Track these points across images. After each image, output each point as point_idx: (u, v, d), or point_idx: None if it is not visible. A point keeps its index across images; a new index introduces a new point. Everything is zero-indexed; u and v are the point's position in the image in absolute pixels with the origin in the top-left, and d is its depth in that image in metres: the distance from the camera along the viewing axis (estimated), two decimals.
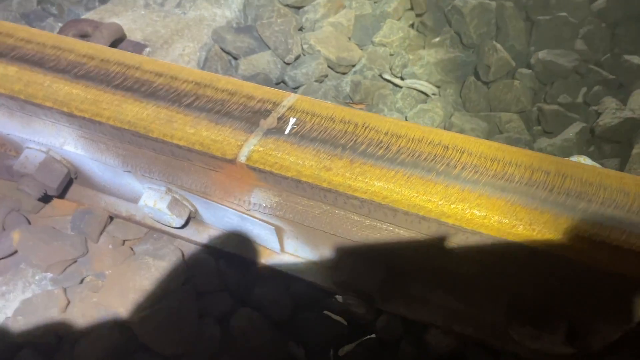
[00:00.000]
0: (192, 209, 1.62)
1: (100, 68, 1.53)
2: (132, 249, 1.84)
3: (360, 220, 1.35)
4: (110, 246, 1.86)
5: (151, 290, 1.64)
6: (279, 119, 1.38)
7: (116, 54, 1.57)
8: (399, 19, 2.54)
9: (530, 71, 2.26)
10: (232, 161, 1.34)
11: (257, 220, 1.50)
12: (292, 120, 1.37)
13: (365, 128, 1.33)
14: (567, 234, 1.11)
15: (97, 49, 1.59)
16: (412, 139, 1.30)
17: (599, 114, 2.06)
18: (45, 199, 1.81)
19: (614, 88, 2.15)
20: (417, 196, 1.21)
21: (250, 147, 1.33)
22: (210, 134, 1.37)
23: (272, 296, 1.73)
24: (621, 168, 1.89)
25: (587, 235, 1.09)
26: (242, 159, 1.33)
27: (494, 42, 2.26)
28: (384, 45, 2.43)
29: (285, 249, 1.64)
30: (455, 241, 1.24)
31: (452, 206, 1.18)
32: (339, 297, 1.77)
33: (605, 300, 1.21)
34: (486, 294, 1.41)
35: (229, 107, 1.42)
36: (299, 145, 1.32)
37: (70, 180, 1.80)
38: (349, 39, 2.51)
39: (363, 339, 1.68)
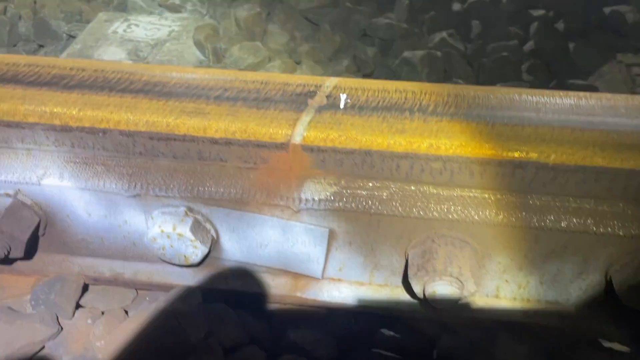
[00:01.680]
0: (214, 236, 1.34)
1: (96, 77, 1.31)
2: (126, 312, 1.46)
3: (437, 193, 1.20)
4: (89, 321, 1.46)
5: (170, 346, 1.27)
6: (328, 96, 1.25)
7: (111, 64, 1.36)
8: (353, 75, 2.60)
9: None
10: (284, 145, 1.16)
11: (305, 226, 1.27)
12: (344, 96, 1.24)
13: (425, 93, 1.24)
14: None
15: (86, 62, 1.37)
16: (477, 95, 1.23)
17: None
18: (6, 261, 1.40)
19: None
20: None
21: (304, 124, 1.17)
22: (253, 119, 1.18)
23: (312, 337, 1.44)
24: None
25: None
26: (297, 139, 1.15)
27: (457, 80, 2.37)
28: None
29: (327, 271, 1.40)
30: None
31: None
32: (385, 331, 1.52)
33: None
34: None
35: (266, 93, 1.26)
36: (361, 115, 1.19)
37: (35, 238, 1.44)
38: None
39: None
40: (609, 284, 1.23)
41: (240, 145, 1.18)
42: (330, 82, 1.30)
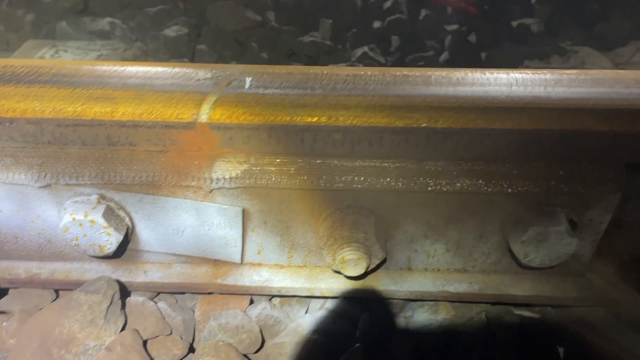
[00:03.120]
0: (129, 224, 1.35)
1: (4, 72, 1.33)
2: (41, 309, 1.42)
3: (341, 164, 1.26)
4: (4, 324, 1.42)
5: (83, 338, 1.25)
6: (234, 80, 1.31)
7: (20, 60, 1.38)
8: None
9: None
10: (191, 125, 1.20)
11: (219, 206, 1.30)
12: (249, 78, 1.31)
13: (326, 74, 1.32)
14: None
15: None
16: (373, 74, 1.32)
17: None
18: None
19: None
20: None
21: (210, 103, 1.22)
22: (160, 101, 1.22)
23: (234, 324, 1.44)
24: None
25: None
26: (203, 117, 1.20)
27: None
28: None
29: (246, 256, 1.42)
30: None
31: None
32: (309, 316, 1.54)
33: None
34: None
35: (174, 79, 1.31)
36: (265, 93, 1.25)
37: None
38: None
39: (349, 352, 1.45)
40: (508, 244, 1.31)
41: (148, 127, 1.21)
42: (238, 68, 1.36)
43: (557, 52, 2.85)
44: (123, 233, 1.32)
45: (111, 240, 1.30)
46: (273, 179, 1.27)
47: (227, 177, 1.27)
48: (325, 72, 1.33)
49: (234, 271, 1.45)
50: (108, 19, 3.17)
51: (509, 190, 1.23)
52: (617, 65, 2.72)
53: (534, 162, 1.23)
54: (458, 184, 1.24)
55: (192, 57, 2.81)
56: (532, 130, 1.17)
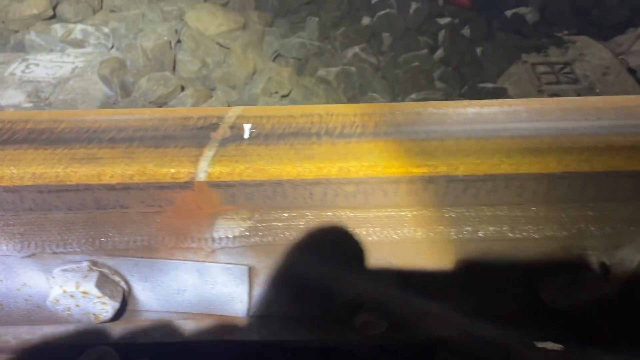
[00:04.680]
0: (125, 288, 1.24)
1: None
2: None
3: (354, 216, 1.16)
4: None
5: None
6: (231, 127, 1.19)
7: None
8: (270, 96, 2.55)
9: None
10: (188, 184, 1.09)
11: (222, 265, 1.20)
12: (248, 126, 1.19)
13: (331, 115, 1.21)
14: None
15: None
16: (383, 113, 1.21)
17: None
18: None
19: None
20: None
21: (208, 160, 1.10)
22: (152, 160, 1.10)
23: None
24: None
25: None
26: (201, 176, 1.08)
27: (373, 94, 2.38)
28: None
29: (253, 309, 1.33)
30: None
31: None
32: None
33: None
34: None
35: (165, 130, 1.18)
36: (267, 144, 1.13)
37: None
38: None
39: None
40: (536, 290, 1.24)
41: (140, 189, 1.10)
42: (233, 112, 1.24)
43: (554, 43, 2.74)
44: (119, 300, 1.21)
45: (107, 308, 1.20)
46: (280, 235, 1.16)
47: (230, 235, 1.16)
48: (329, 112, 1.22)
49: (240, 325, 1.35)
50: (80, 26, 2.98)
51: (536, 235, 1.15)
52: (617, 56, 2.63)
53: (561, 204, 1.14)
54: (481, 232, 1.15)
55: (174, 67, 2.66)
56: (561, 174, 1.07)
